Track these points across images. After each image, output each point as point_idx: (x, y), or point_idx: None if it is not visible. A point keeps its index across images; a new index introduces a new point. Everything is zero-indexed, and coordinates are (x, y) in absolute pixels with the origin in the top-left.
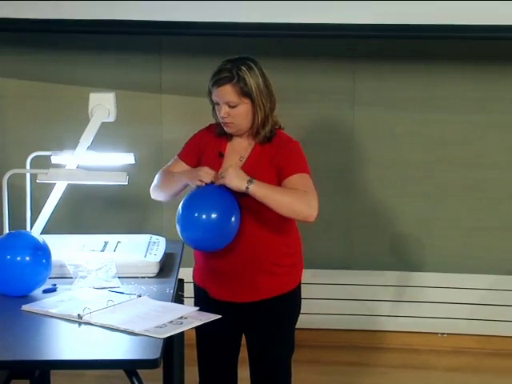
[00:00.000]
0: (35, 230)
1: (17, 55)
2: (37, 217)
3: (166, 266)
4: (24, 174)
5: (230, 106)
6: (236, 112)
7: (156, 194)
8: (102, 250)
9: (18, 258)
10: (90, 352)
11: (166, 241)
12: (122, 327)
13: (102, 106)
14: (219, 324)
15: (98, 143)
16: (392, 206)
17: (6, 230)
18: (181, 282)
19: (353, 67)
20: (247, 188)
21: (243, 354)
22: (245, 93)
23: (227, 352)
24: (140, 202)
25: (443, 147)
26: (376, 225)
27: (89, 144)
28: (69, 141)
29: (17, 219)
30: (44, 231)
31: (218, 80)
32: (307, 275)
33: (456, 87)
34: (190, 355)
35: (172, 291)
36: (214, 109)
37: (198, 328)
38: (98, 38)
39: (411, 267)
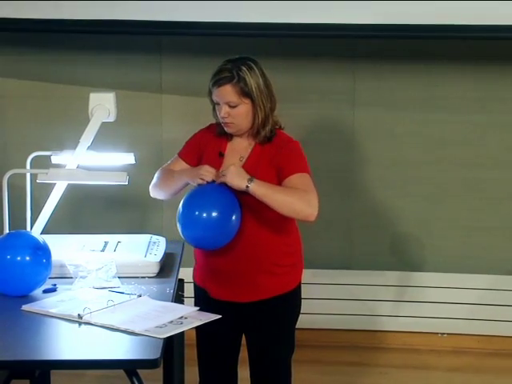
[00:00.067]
0: (35, 230)
1: (17, 55)
2: (37, 217)
3: (166, 266)
4: (24, 174)
5: (230, 106)
6: (236, 112)
7: (155, 192)
8: (102, 250)
9: (18, 258)
10: (90, 352)
11: (166, 241)
12: (122, 327)
13: (103, 105)
14: (219, 324)
15: (98, 143)
16: (392, 205)
17: (6, 230)
18: (181, 281)
19: (353, 67)
20: (247, 187)
21: (243, 353)
22: (245, 93)
23: (227, 352)
24: (140, 202)
25: (443, 147)
26: (376, 225)
27: (89, 144)
28: (69, 141)
29: (17, 219)
30: (44, 231)
31: (218, 80)
32: (307, 275)
33: (456, 87)
34: (190, 355)
35: (172, 291)
36: (214, 109)
37: (198, 328)
38: (98, 38)
39: (411, 267)
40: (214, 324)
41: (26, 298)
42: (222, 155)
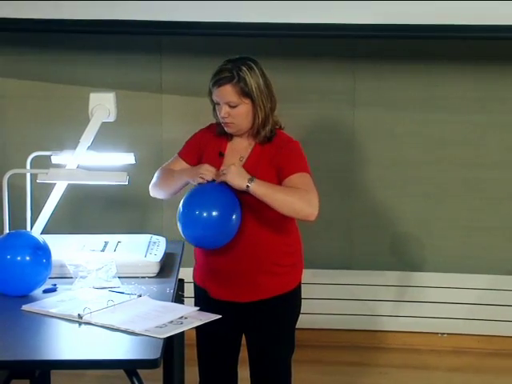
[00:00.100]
0: (35, 230)
1: (17, 55)
2: (37, 217)
3: (166, 266)
4: (24, 174)
5: (230, 106)
6: (236, 112)
7: (155, 191)
8: (103, 250)
9: (18, 258)
10: (91, 352)
11: (166, 241)
12: (123, 327)
13: (103, 105)
14: (219, 324)
15: (98, 143)
16: (392, 205)
17: (6, 230)
18: (181, 281)
19: (353, 67)
20: (248, 186)
21: (243, 353)
22: (245, 93)
23: (227, 352)
24: (140, 202)
25: (443, 147)
26: (376, 225)
27: (89, 144)
28: (69, 141)
29: (17, 219)
30: (44, 231)
31: (218, 80)
32: (308, 275)
33: (456, 87)
34: (190, 355)
35: (172, 291)
36: (214, 109)
37: (198, 328)
38: (98, 38)
39: (411, 267)
40: (213, 324)
41: (26, 297)
42: (222, 155)
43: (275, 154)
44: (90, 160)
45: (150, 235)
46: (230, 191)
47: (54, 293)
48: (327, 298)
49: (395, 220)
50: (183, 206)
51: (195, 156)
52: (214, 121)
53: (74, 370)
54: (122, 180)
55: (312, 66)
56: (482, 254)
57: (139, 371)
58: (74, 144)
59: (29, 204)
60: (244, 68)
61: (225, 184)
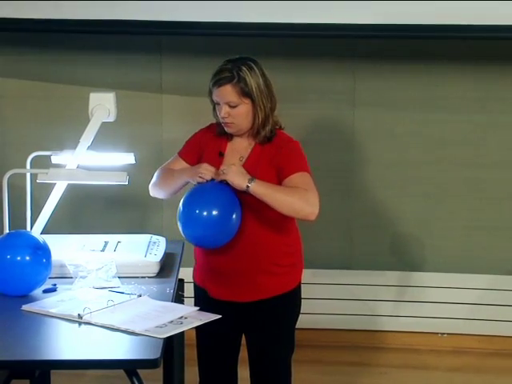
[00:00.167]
0: (35, 230)
1: (17, 55)
2: (37, 217)
3: (166, 266)
4: (24, 174)
5: (230, 106)
6: (236, 112)
7: (155, 191)
8: (102, 250)
9: (18, 258)
10: (90, 352)
11: (166, 241)
12: (123, 327)
13: (103, 105)
14: (219, 324)
15: (98, 143)
16: (392, 205)
17: (6, 230)
18: (181, 281)
19: (353, 67)
20: (248, 187)
21: (243, 353)
22: (245, 93)
23: (227, 352)
24: (140, 202)
25: (443, 147)
26: (376, 225)
27: (89, 144)
28: (69, 141)
29: (17, 219)
30: (44, 231)
31: (218, 80)
32: (308, 275)
33: (456, 87)
34: (190, 355)
35: (172, 291)
36: (214, 109)
37: (198, 328)
38: (98, 38)
39: (412, 267)
40: (213, 324)
41: (26, 297)
42: (221, 155)
43: (275, 154)
44: (90, 160)
45: (149, 235)
46: (230, 190)
47: (53, 293)
48: (327, 298)
49: (395, 220)
50: (183, 205)
51: (195, 156)
52: (214, 121)
53: (74, 370)
54: (122, 180)
55: (312, 66)
56: (482, 254)
57: (139, 371)
58: (74, 144)
59: (29, 204)
60: (244, 68)
61: (225, 183)
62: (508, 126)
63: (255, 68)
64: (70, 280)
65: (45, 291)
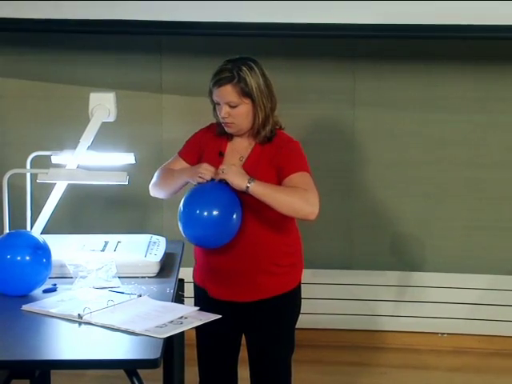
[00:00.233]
0: (35, 230)
1: (17, 55)
2: (37, 217)
3: (167, 266)
4: (24, 174)
5: (230, 106)
6: (236, 112)
7: (155, 191)
8: (103, 250)
9: (18, 258)
10: (91, 352)
11: (167, 241)
12: (123, 327)
13: (103, 105)
14: (219, 324)
15: (98, 143)
16: (392, 205)
17: (6, 230)
18: (181, 281)
19: (353, 67)
20: (248, 187)
21: (243, 353)
22: (245, 93)
23: (227, 352)
24: (140, 202)
25: (443, 147)
26: (376, 225)
27: (89, 144)
28: (69, 141)
29: (17, 219)
30: (44, 231)
31: (218, 80)
32: (308, 275)
33: (456, 87)
34: (190, 355)
35: (172, 291)
36: (214, 109)
37: (198, 328)
38: (98, 38)
39: (412, 267)
40: (213, 324)
41: (26, 297)
42: (222, 155)
43: (275, 154)
44: (89, 160)
45: (150, 235)
46: (230, 190)
47: (53, 293)
48: (327, 298)
49: (395, 220)
50: (184, 205)
51: (195, 156)
52: (214, 121)
53: (74, 370)
54: (122, 180)
55: (312, 66)
56: (482, 254)
57: (139, 371)
58: (74, 144)
59: (29, 204)
60: (244, 68)
61: (224, 183)
62: (508, 125)
63: (255, 68)
64: (70, 280)
65: (45, 291)
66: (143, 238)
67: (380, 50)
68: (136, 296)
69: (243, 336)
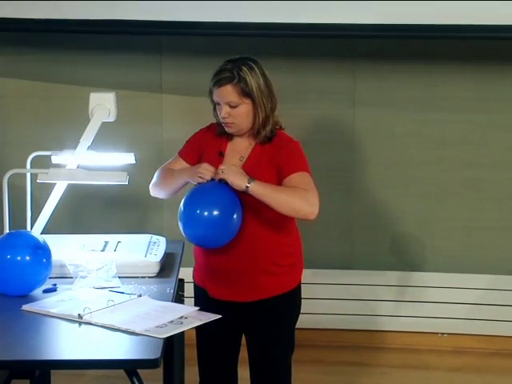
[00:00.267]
0: (35, 230)
1: (17, 55)
2: (37, 217)
3: (167, 266)
4: (24, 174)
5: (230, 106)
6: (237, 112)
7: (155, 191)
8: (103, 250)
9: (19, 258)
10: (91, 352)
11: (167, 241)
12: (123, 327)
13: (103, 105)
14: (219, 324)
15: (98, 143)
16: (392, 205)
17: (7, 230)
18: (181, 281)
19: (353, 67)
20: (247, 187)
21: (243, 353)
22: (246, 93)
23: (227, 352)
24: (140, 202)
25: (443, 147)
26: (377, 225)
27: (89, 144)
28: (69, 141)
29: (17, 219)
30: (44, 231)
31: (218, 80)
32: (308, 275)
33: (456, 87)
34: (190, 355)
35: (172, 291)
36: (214, 109)
37: (198, 328)
38: (98, 38)
39: (412, 267)
40: (213, 324)
41: (26, 297)
42: (222, 155)
43: (275, 154)
44: (90, 160)
45: (150, 235)
46: (230, 190)
47: (54, 293)
48: (327, 298)
49: (395, 220)
50: (184, 205)
51: (195, 156)
52: (214, 120)
53: (74, 370)
54: (122, 180)
55: (312, 65)
56: (482, 254)
57: (139, 371)
58: (74, 144)
59: (29, 204)
60: (244, 68)
61: (224, 182)
62: (508, 125)
63: (255, 68)
64: (70, 280)
65: (45, 291)
66: (143, 238)
67: (380, 50)
68: (136, 296)
69: (243, 336)
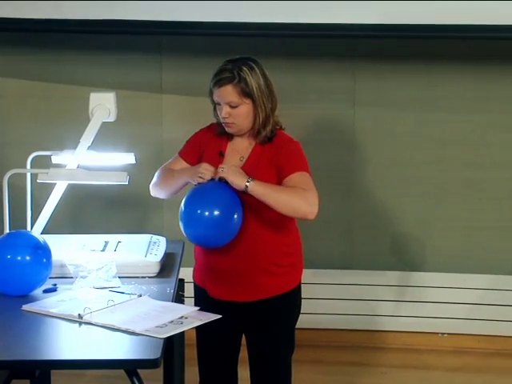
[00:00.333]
0: (36, 230)
1: (17, 55)
2: (37, 217)
3: (167, 266)
4: (24, 174)
5: (231, 107)
6: (237, 112)
7: (156, 191)
8: (103, 250)
9: (19, 258)
10: (91, 352)
11: (167, 241)
12: (123, 327)
13: (103, 105)
14: (219, 324)
15: (98, 143)
16: (392, 205)
17: (7, 230)
18: (181, 281)
19: (353, 67)
20: (247, 186)
21: (243, 353)
22: (246, 93)
23: (227, 352)
24: (140, 202)
25: (443, 147)
26: (377, 225)
27: (89, 144)
28: (69, 141)
29: (17, 219)
30: (44, 231)
31: (219, 80)
32: (308, 275)
33: (456, 87)
34: (190, 355)
35: (172, 291)
36: (215, 109)
37: (198, 328)
38: (98, 38)
39: (412, 267)
40: (213, 324)
41: (26, 297)
42: (222, 155)
43: (275, 154)
44: (90, 160)
45: (150, 235)
46: (231, 190)
47: (54, 293)
48: (327, 298)
49: (395, 220)
50: (185, 205)
51: (195, 156)
52: (214, 120)
53: (74, 370)
54: (122, 180)
55: (312, 65)
56: (482, 254)
57: (139, 371)
58: (74, 144)
59: (29, 204)
60: (245, 68)
61: (224, 182)
62: (508, 125)
63: (256, 68)
64: (71, 280)
65: (45, 291)
66: (143, 238)
67: (380, 50)
68: (136, 296)
69: (243, 336)
